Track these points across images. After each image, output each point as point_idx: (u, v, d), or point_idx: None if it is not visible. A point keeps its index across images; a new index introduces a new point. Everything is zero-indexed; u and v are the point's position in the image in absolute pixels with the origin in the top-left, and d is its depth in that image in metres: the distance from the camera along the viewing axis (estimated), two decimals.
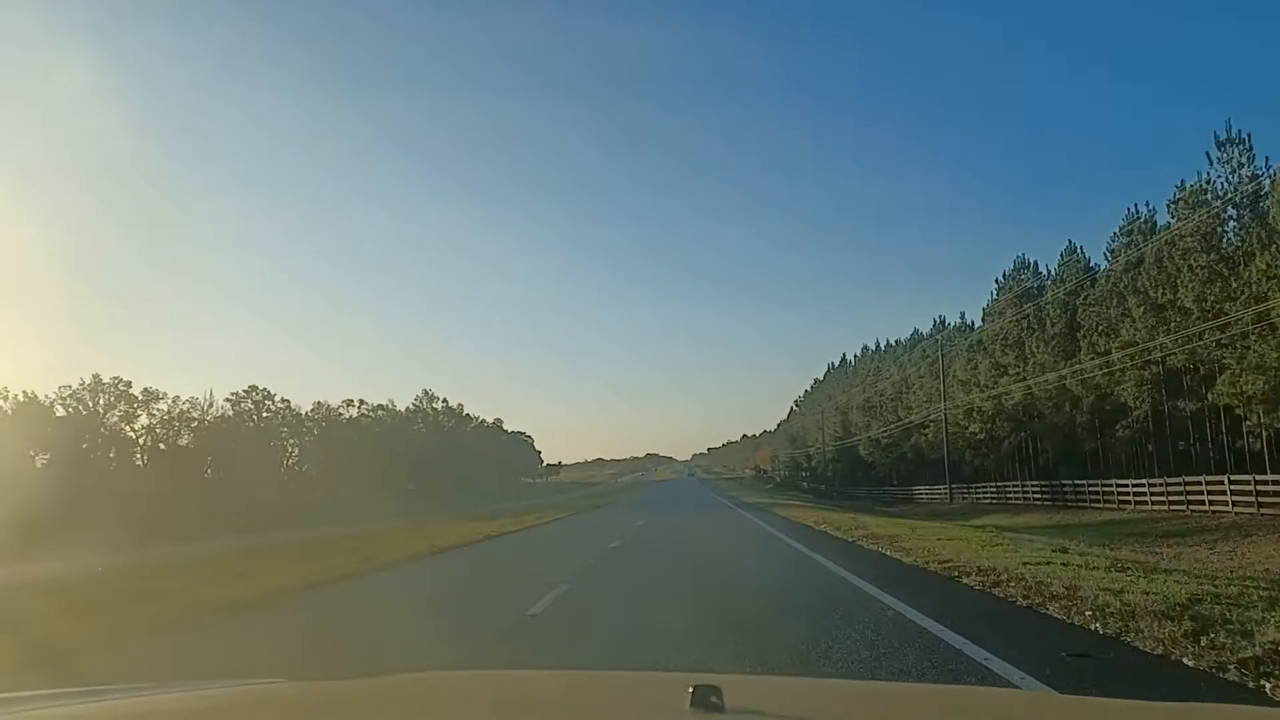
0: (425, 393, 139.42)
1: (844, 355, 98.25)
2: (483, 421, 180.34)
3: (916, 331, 70.18)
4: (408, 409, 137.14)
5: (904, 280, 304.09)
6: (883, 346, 79.65)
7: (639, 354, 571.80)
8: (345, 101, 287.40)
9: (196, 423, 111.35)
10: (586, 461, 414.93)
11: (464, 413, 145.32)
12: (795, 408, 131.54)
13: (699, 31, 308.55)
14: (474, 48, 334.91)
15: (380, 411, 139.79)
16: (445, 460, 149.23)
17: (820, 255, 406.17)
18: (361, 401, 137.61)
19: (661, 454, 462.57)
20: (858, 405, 78.71)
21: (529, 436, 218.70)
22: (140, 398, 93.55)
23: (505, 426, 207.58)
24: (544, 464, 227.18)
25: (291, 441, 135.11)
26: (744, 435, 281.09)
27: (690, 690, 1.57)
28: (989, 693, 3.37)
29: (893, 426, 67.30)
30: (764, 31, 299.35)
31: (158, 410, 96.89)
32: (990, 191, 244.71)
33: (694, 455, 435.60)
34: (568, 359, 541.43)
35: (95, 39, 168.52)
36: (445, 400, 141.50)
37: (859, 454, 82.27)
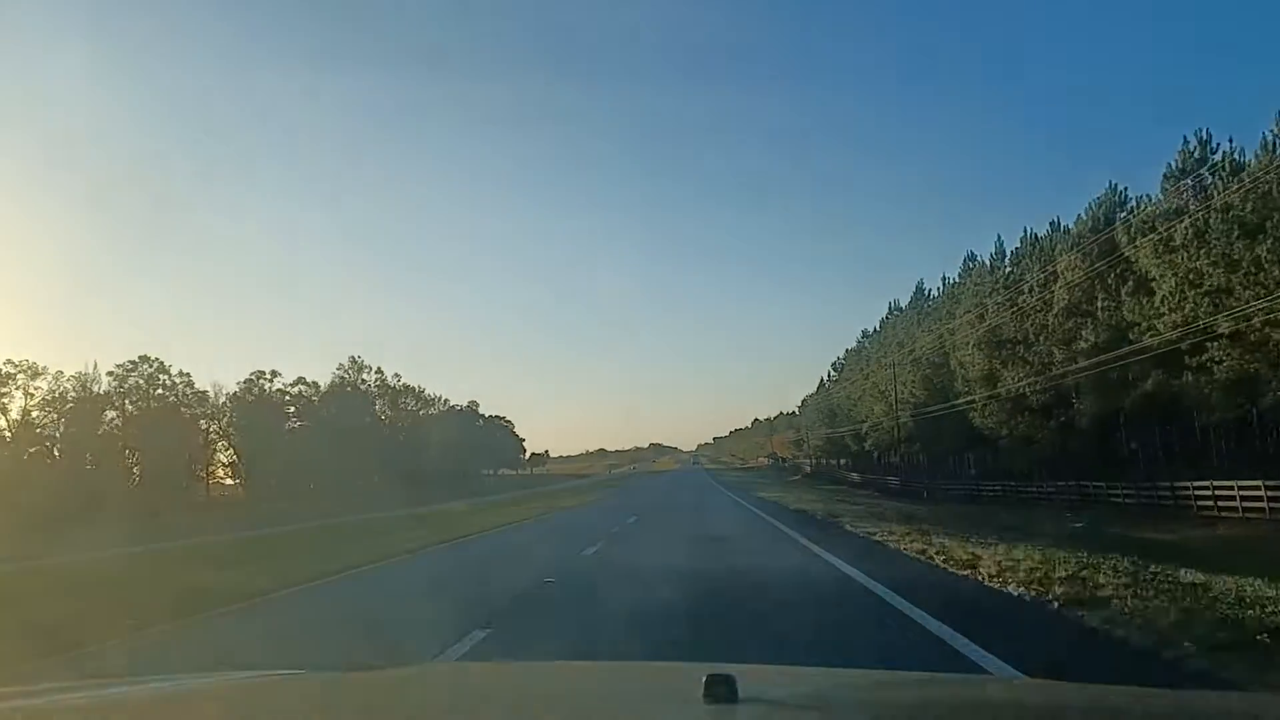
0: (353, 360, 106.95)
1: (920, 283, 65.67)
2: (446, 402, 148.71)
3: (1115, 189, 37.10)
4: (330, 384, 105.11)
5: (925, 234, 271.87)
6: (1006, 254, 46.76)
7: (642, 342, 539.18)
8: (331, 79, 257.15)
9: (73, 403, 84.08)
10: (588, 452, 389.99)
11: (403, 386, 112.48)
12: (831, 374, 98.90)
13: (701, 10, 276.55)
14: (469, 27, 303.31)
15: (301, 386, 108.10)
16: (379, 447, 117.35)
17: (828, 233, 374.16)
18: (274, 374, 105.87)
19: (666, 444, 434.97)
20: (975, 343, 45.86)
21: (508, 422, 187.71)
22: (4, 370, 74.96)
23: (482, 411, 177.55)
24: (527, 454, 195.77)
25: (206, 424, 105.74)
26: (755, 420, 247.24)
27: (704, 680, 1.54)
28: (1005, 683, 3.13)
29: (1083, 365, 34.65)
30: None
31: (37, 389, 78.89)
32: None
33: (699, 445, 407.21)
34: (569, 350, 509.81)
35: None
36: (379, 371, 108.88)
37: (965, 425, 49.85)
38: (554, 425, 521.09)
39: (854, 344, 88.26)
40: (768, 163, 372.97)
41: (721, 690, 1.53)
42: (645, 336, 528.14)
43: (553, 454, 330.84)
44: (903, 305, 72.00)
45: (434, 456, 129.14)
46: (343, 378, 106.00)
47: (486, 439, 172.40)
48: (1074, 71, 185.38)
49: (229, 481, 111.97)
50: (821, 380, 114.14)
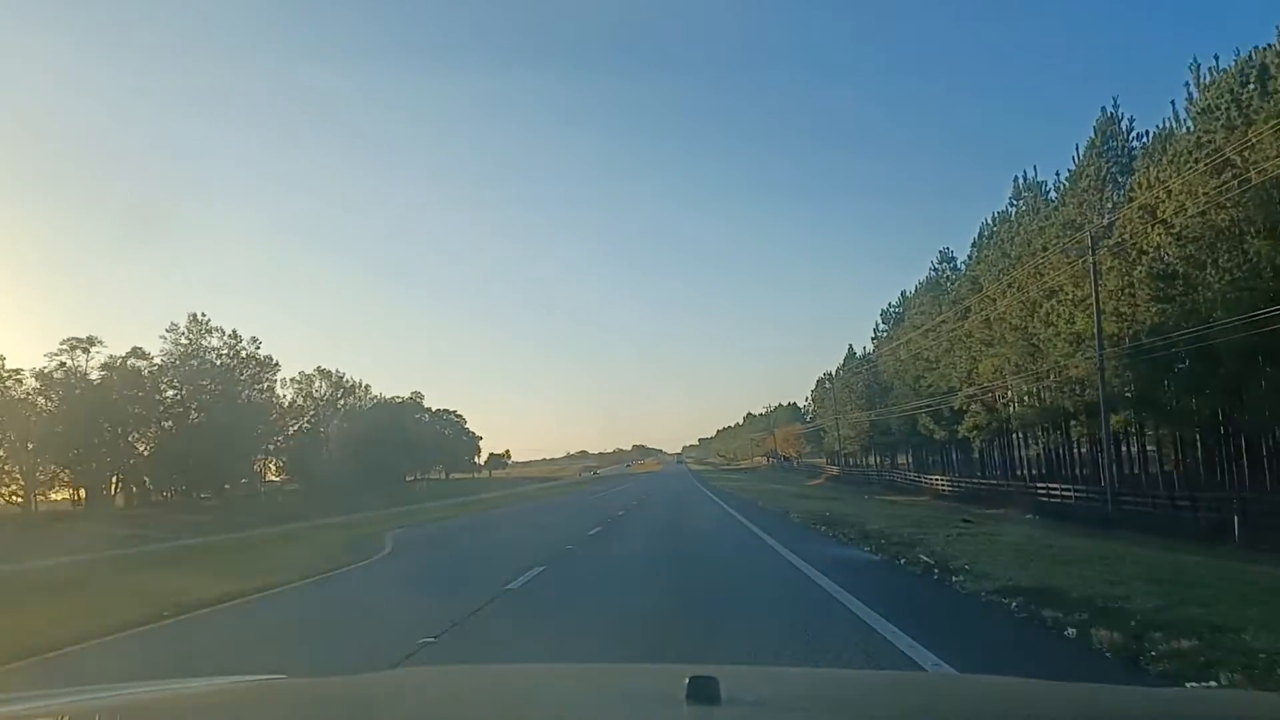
0: (194, 320, 73.71)
1: (1113, 112, 34.24)
2: (367, 389, 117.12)
3: None
4: (164, 354, 72.31)
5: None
6: None
7: (627, 343, 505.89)
8: (281, 65, 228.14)
9: None
10: (570, 455, 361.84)
11: (264, 359, 79.63)
12: (880, 327, 67.00)
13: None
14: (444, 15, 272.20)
15: (134, 360, 75.23)
16: (267, 442, 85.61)
17: (816, 227, 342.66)
18: (90, 341, 72.85)
19: (650, 445, 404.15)
20: None
21: (459, 416, 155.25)
22: None
23: (430, 405, 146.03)
24: (481, 455, 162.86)
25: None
26: (748, 414, 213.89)
27: (687, 682, 1.51)
28: (992, 682, 2.84)
29: None
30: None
31: None
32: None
33: (684, 447, 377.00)
34: (550, 352, 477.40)
35: None
36: (234, 335, 75.87)
37: None
38: (535, 427, 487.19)
39: (924, 277, 56.63)
40: (757, 154, 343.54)
41: (704, 692, 1.47)
42: (629, 338, 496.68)
43: (537, 456, 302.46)
44: (1043, 180, 40.53)
45: (343, 454, 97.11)
46: (178, 344, 73.03)
47: (430, 436, 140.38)
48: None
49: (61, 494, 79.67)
50: (850, 352, 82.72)
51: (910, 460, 67.62)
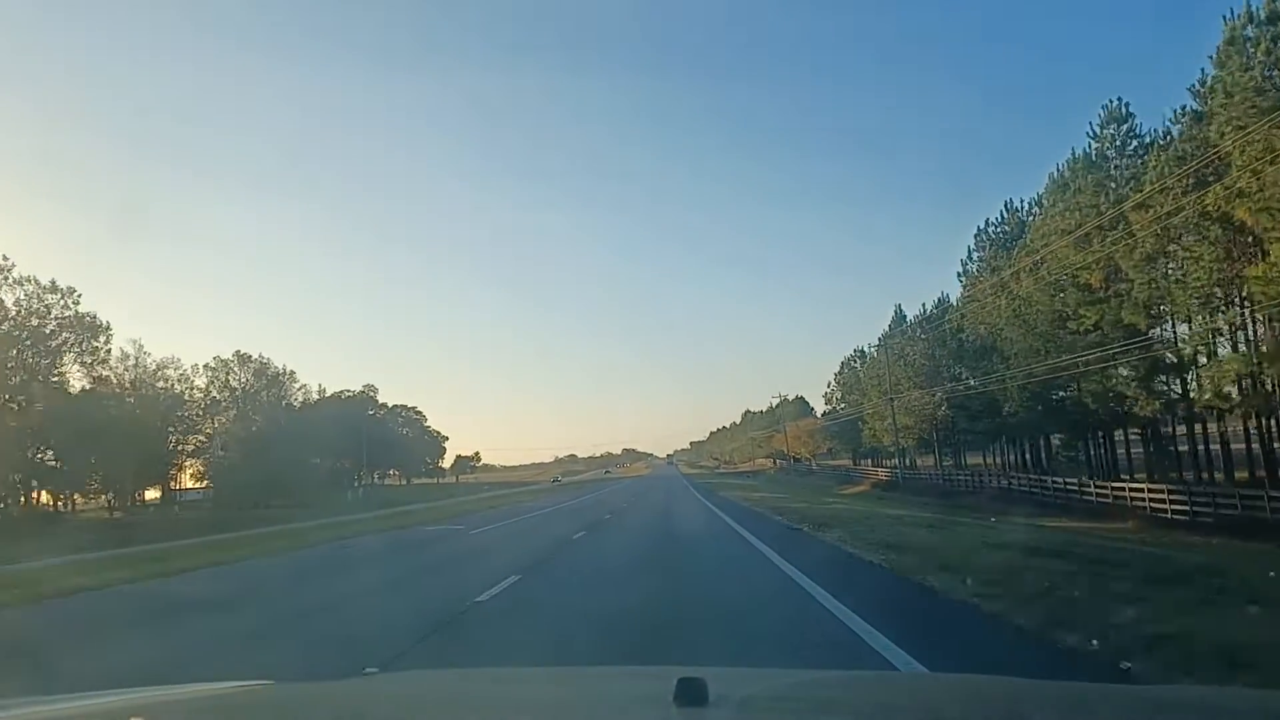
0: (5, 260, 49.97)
1: None
2: (293, 376, 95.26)
3: None
4: None
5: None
6: None
7: (616, 347, 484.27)
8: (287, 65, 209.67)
9: None
10: (559, 459, 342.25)
11: (89, 320, 55.93)
12: (972, 254, 45.19)
13: None
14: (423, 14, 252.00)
15: None
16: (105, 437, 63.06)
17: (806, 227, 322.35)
18: None
19: (640, 449, 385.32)
20: None
21: (419, 414, 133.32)
22: None
23: (385, 401, 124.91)
24: (445, 457, 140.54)
25: None
26: (747, 412, 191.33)
27: (674, 683, 1.50)
28: (982, 681, 2.78)
29: None
30: None
31: None
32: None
33: (676, 450, 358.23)
34: (544, 356, 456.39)
35: None
36: (52, 285, 52.73)
37: None
38: (526, 430, 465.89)
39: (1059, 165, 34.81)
40: (750, 151, 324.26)
41: (692, 693, 1.46)
42: (619, 342, 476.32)
43: (526, 460, 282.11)
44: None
45: (268, 457, 74.72)
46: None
47: (388, 436, 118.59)
48: None
49: None
50: (897, 314, 60.78)
51: (1016, 458, 45.79)
